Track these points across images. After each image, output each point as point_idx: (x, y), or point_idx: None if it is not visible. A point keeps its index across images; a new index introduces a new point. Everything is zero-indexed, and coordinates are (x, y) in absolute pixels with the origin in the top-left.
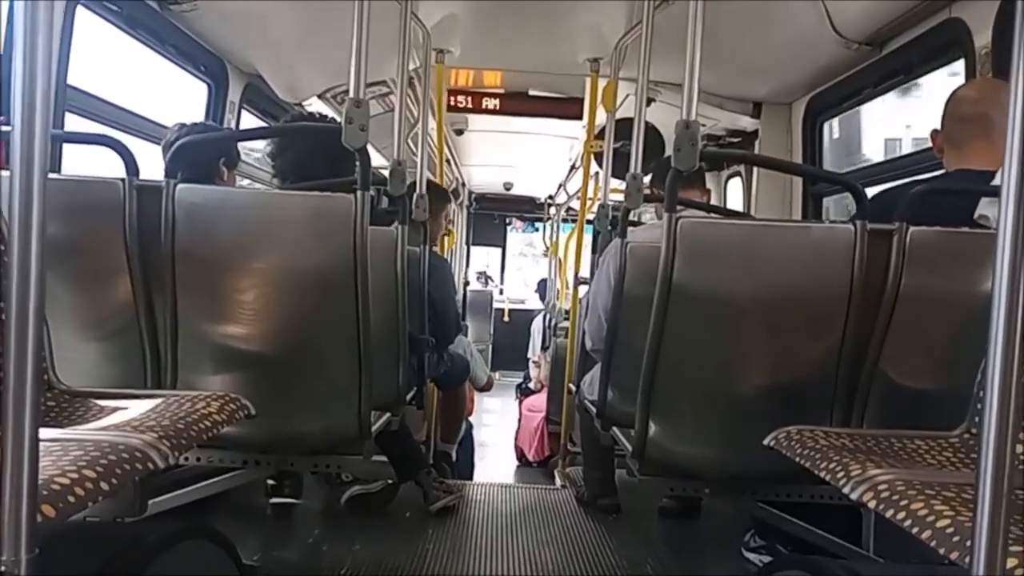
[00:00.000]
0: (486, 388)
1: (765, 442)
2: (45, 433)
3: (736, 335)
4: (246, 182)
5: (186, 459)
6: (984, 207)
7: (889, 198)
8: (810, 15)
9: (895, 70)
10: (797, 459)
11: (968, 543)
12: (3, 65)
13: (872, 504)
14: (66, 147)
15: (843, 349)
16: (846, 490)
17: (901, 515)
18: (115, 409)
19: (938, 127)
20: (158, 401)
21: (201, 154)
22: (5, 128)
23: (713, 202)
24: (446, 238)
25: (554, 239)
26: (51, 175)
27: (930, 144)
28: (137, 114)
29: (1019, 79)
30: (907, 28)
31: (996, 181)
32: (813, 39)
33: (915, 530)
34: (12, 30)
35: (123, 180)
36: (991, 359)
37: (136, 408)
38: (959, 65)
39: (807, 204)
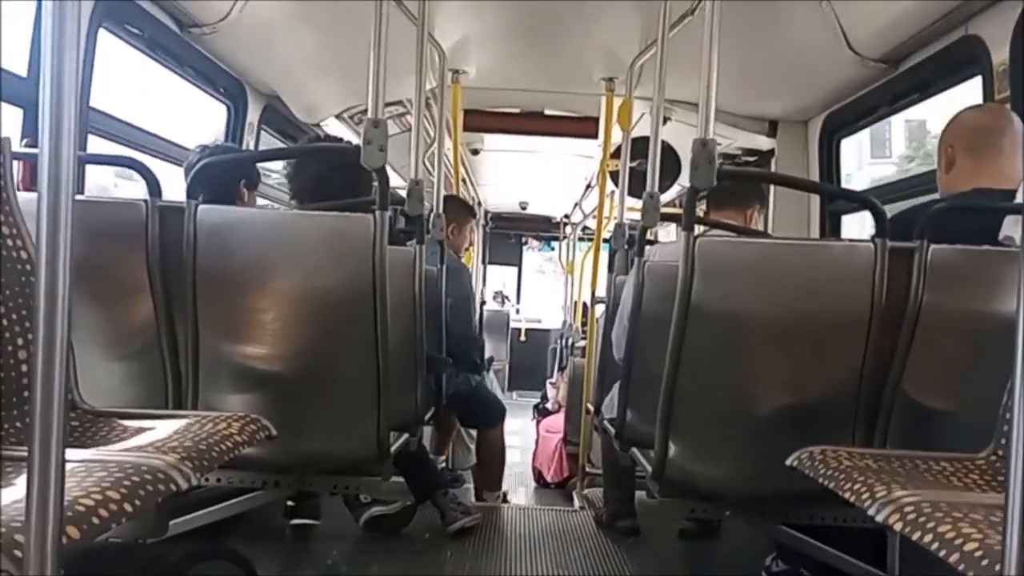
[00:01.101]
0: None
1: (787, 462)
2: (70, 454)
3: (756, 354)
4: (266, 203)
5: (207, 480)
6: (1008, 227)
7: (910, 216)
8: (826, 33)
9: (912, 87)
10: (820, 480)
11: (997, 567)
12: (29, 88)
13: (898, 526)
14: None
15: (864, 368)
16: (871, 512)
17: (928, 538)
18: (138, 430)
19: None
20: (180, 422)
21: (221, 175)
22: (32, 150)
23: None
24: (464, 255)
25: (570, 258)
26: (76, 197)
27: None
28: (159, 136)
29: None
30: (923, 46)
31: (1019, 199)
32: (829, 57)
33: (943, 553)
34: (39, 53)
35: (146, 201)
36: (1017, 380)
37: (159, 429)
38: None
39: (825, 222)
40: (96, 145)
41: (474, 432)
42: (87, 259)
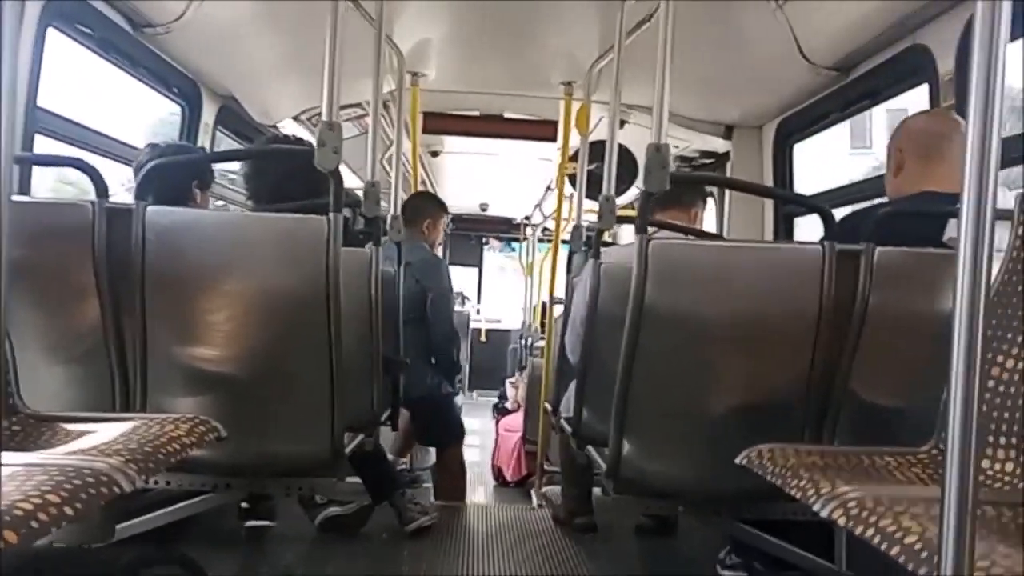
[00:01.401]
0: None
1: (737, 461)
2: (8, 458)
3: (708, 355)
4: (220, 203)
5: (155, 483)
6: (952, 229)
7: (859, 219)
8: (779, 40)
9: (862, 95)
10: (769, 477)
11: (935, 559)
12: None
13: (842, 521)
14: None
15: (814, 368)
16: (816, 507)
17: (870, 532)
18: (82, 433)
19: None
20: (126, 424)
21: (173, 176)
22: None
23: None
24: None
25: (530, 259)
26: (19, 197)
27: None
28: (108, 136)
29: (976, 103)
30: (873, 54)
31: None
32: (782, 64)
33: (884, 546)
34: None
35: (92, 202)
36: (953, 375)
37: (103, 432)
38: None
39: (779, 225)
40: (46, 146)
41: None
42: (32, 261)
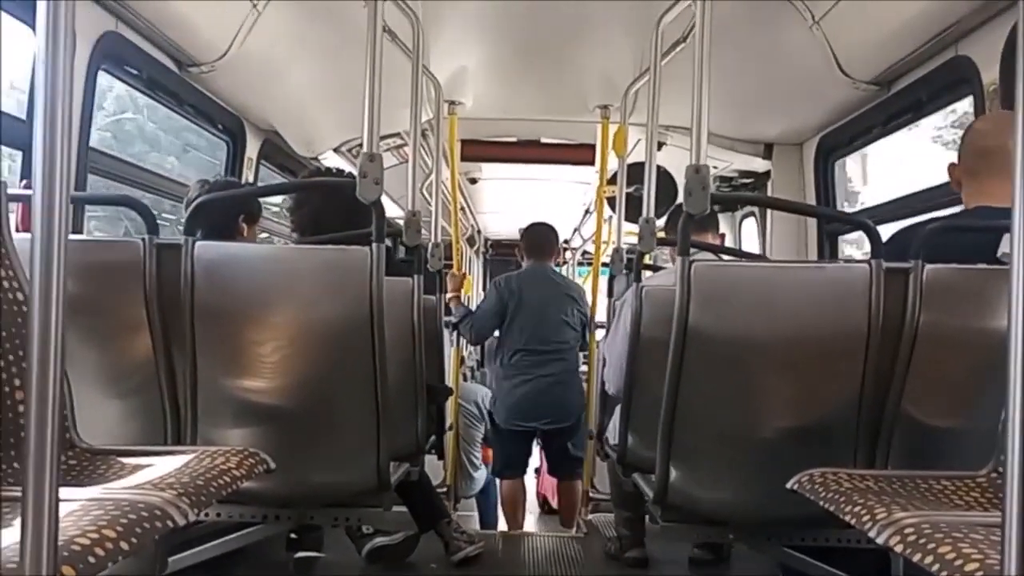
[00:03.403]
0: None
1: (788, 485)
2: (66, 493)
3: (754, 377)
4: (266, 236)
5: (206, 515)
6: (1007, 244)
7: (908, 236)
8: (817, 57)
9: (903, 109)
10: (821, 503)
11: None
12: (28, 131)
13: (899, 548)
14: None
15: (864, 389)
16: (872, 534)
17: (928, 559)
18: (136, 467)
19: (955, 160)
20: (178, 458)
21: (221, 211)
22: (27, 192)
23: (728, 243)
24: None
25: None
26: (73, 236)
27: (947, 179)
28: (158, 173)
29: (1023, 113)
30: (914, 67)
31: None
32: (821, 80)
33: (944, 574)
34: (34, 96)
35: (143, 239)
36: (1011, 396)
37: (157, 465)
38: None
39: (822, 243)
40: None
41: (477, 459)
42: (85, 298)
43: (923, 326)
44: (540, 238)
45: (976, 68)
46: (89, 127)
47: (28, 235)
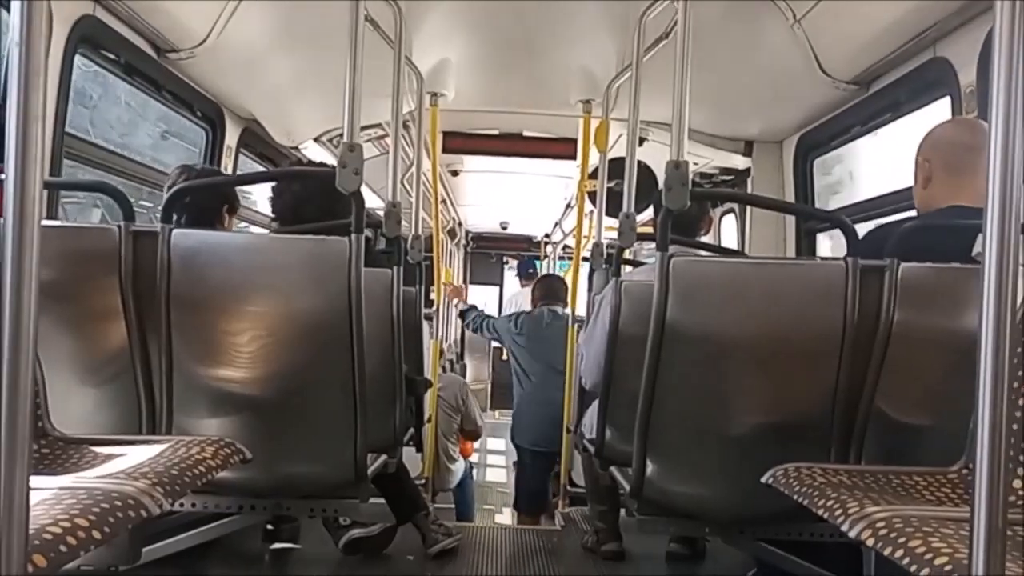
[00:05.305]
0: (473, 436)
1: (763, 480)
2: (38, 481)
3: (731, 373)
4: (243, 224)
5: (181, 505)
6: (981, 244)
7: (884, 234)
8: (797, 56)
9: (883, 108)
10: (795, 497)
11: None
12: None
13: (870, 542)
14: None
15: (839, 385)
16: (844, 528)
17: (899, 552)
18: (110, 456)
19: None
20: (153, 447)
21: (200, 199)
22: (0, 176)
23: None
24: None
25: None
26: (47, 222)
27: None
28: (135, 160)
29: (999, 115)
30: (893, 67)
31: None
32: (801, 79)
33: (913, 568)
34: (7, 79)
35: (119, 226)
36: (981, 395)
37: (131, 455)
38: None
39: (800, 240)
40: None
41: (455, 452)
42: (59, 285)
43: (897, 324)
44: (555, 285)
45: (954, 69)
46: (65, 112)
47: (0, 221)
